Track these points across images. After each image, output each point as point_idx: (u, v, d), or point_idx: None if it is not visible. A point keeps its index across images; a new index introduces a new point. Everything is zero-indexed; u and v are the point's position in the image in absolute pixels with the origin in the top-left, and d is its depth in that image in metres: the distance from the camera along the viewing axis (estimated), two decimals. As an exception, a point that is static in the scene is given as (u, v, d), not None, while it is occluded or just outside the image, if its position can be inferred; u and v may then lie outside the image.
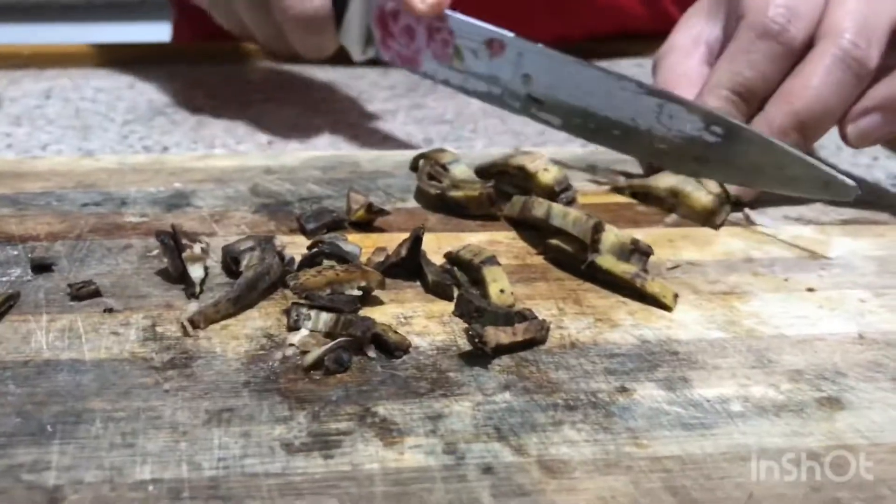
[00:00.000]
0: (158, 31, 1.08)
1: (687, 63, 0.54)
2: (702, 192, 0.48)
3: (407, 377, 0.34)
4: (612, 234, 0.41)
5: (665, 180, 0.50)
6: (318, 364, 0.34)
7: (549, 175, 0.47)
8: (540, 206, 0.44)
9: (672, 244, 0.46)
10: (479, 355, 0.35)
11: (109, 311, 0.37)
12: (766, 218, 0.49)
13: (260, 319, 0.37)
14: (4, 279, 0.39)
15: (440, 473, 0.29)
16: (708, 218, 0.48)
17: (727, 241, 0.46)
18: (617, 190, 0.52)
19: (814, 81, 0.48)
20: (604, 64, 0.82)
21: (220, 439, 0.30)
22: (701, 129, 0.49)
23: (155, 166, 0.52)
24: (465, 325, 0.36)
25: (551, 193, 0.47)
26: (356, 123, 0.68)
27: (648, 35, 0.82)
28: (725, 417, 0.32)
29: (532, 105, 0.55)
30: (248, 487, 0.28)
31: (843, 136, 0.51)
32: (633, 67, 0.81)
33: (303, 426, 0.31)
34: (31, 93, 0.73)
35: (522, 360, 0.35)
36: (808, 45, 0.50)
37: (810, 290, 0.42)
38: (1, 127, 0.65)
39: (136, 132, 0.65)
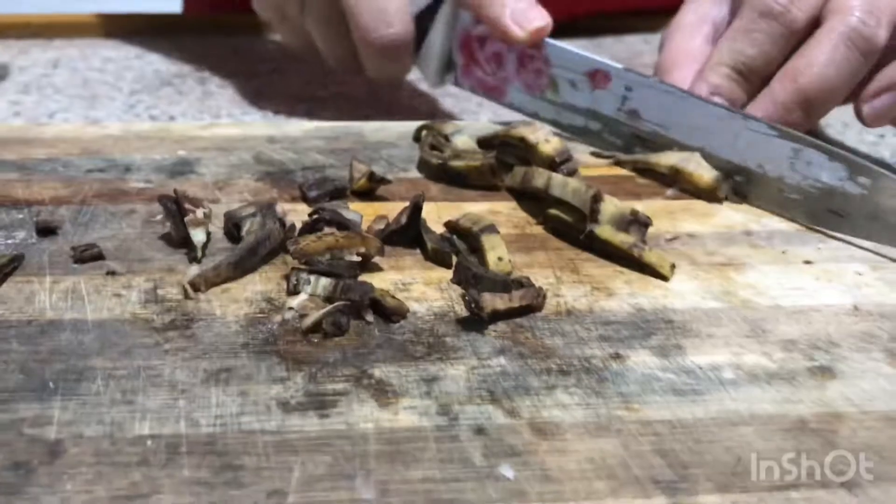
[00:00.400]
0: (168, 3, 1.08)
1: (692, 42, 0.54)
2: (703, 170, 0.48)
3: (404, 341, 0.34)
4: (612, 205, 0.41)
5: (667, 158, 0.50)
6: (316, 327, 0.34)
7: (549, 146, 0.48)
8: (540, 177, 0.44)
9: (672, 216, 0.46)
10: (475, 321, 0.35)
11: (112, 273, 0.38)
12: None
13: (260, 284, 0.38)
14: (9, 241, 0.40)
15: (433, 433, 0.29)
16: (710, 195, 0.48)
17: (727, 214, 0.47)
18: (619, 164, 0.52)
19: (820, 59, 0.48)
20: (610, 40, 0.82)
21: (217, 398, 0.30)
22: (844, 179, 0.44)
23: (160, 134, 0.53)
24: (463, 292, 0.37)
25: (552, 164, 0.47)
26: (362, 96, 0.68)
27: (657, 11, 0.82)
28: (717, 384, 0.33)
29: (637, 144, 0.51)
30: (244, 444, 0.28)
31: (859, 116, 0.50)
32: (640, 43, 0.81)
33: (299, 386, 0.31)
34: (39, 62, 0.73)
35: (518, 327, 0.36)
36: (814, 24, 0.49)
37: (808, 262, 0.42)
38: (9, 95, 0.65)
39: (143, 101, 0.65)
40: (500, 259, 0.39)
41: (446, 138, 0.50)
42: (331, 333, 0.34)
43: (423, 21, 0.57)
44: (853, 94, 0.51)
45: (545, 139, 0.48)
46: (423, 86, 0.70)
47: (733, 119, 0.47)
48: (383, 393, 0.31)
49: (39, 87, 0.67)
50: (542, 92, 0.54)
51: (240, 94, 0.67)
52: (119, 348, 0.33)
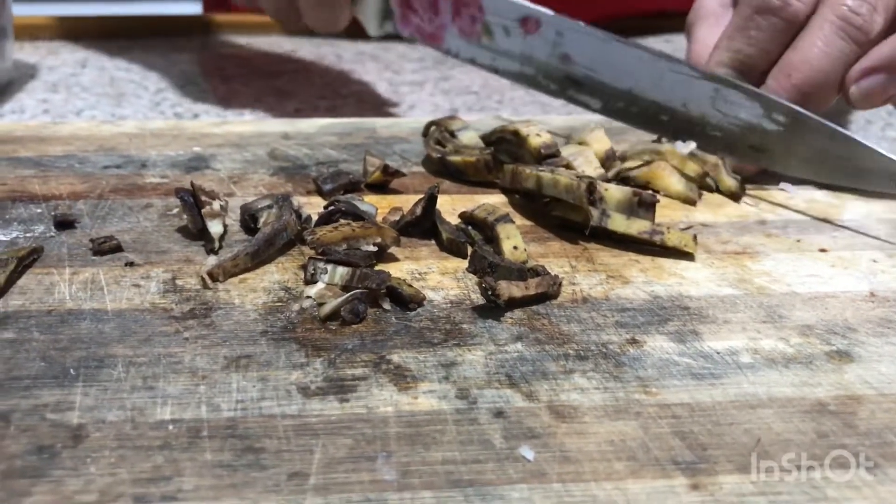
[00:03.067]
0: (191, 6, 1.10)
1: (718, 32, 0.53)
2: (727, 177, 0.47)
3: (421, 328, 0.34)
4: (613, 191, 0.41)
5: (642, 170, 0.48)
6: (334, 315, 0.34)
7: (538, 139, 0.47)
8: (529, 178, 0.43)
9: (686, 206, 0.46)
10: (491, 308, 0.35)
11: (130, 264, 0.38)
12: (781, 180, 0.49)
13: (277, 274, 0.38)
14: (28, 235, 0.40)
15: (453, 416, 0.29)
16: (732, 197, 0.48)
17: (741, 205, 0.47)
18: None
19: (812, 52, 0.47)
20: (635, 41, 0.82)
21: (238, 383, 0.31)
22: (761, 116, 0.46)
23: (174, 131, 0.53)
24: (479, 280, 0.37)
25: (539, 157, 0.46)
26: (383, 94, 0.68)
27: (680, 13, 0.81)
28: (735, 368, 0.33)
29: (570, 87, 0.52)
30: (265, 427, 0.28)
31: (845, 96, 0.49)
32: (662, 44, 0.81)
33: (319, 372, 0.31)
34: (67, 62, 0.74)
35: (534, 314, 0.36)
36: (812, 13, 0.48)
37: (823, 250, 0.42)
38: (39, 93, 0.66)
39: (168, 100, 0.65)
40: (515, 248, 0.39)
41: (452, 134, 0.50)
42: (349, 320, 0.34)
43: None
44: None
45: (536, 133, 0.47)
46: (444, 84, 0.70)
47: (657, 62, 0.49)
48: (402, 378, 0.31)
49: (67, 85, 0.68)
50: (477, 38, 0.55)
51: (263, 93, 0.67)
52: (139, 336, 0.33)
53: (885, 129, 0.63)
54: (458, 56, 0.56)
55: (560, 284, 0.37)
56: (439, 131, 0.51)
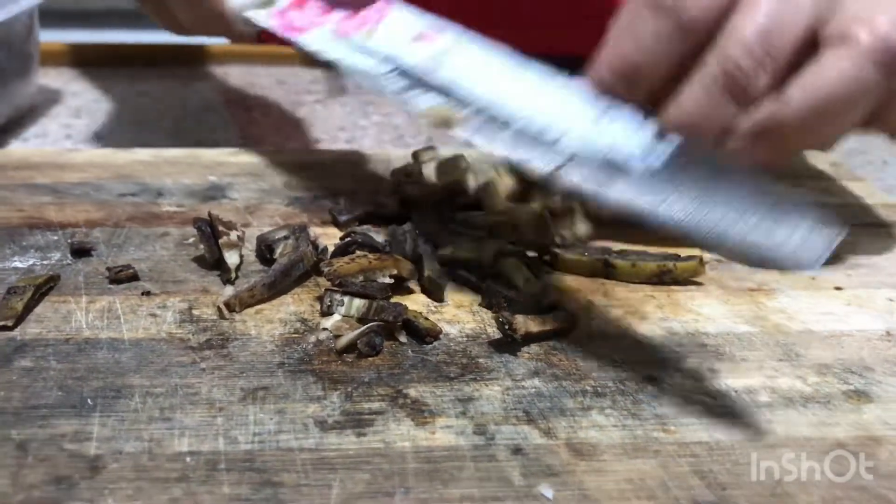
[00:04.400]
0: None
1: None
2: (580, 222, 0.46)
3: (438, 362, 0.34)
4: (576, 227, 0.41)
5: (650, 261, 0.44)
6: (350, 347, 0.34)
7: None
8: (487, 249, 0.41)
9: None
10: (508, 342, 0.35)
11: (147, 294, 0.38)
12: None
13: (293, 305, 0.38)
14: (45, 262, 0.40)
15: (470, 453, 0.29)
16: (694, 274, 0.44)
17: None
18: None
19: (688, 103, 0.38)
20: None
21: (255, 415, 0.30)
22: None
23: (189, 159, 0.53)
24: (495, 314, 0.37)
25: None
26: (402, 125, 0.69)
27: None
28: (753, 407, 0.33)
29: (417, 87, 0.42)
30: (282, 461, 0.28)
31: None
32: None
33: (336, 405, 0.31)
34: (90, 88, 0.75)
35: (551, 349, 0.36)
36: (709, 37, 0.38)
37: (838, 288, 0.42)
38: (62, 119, 0.67)
39: (188, 127, 0.66)
40: (527, 280, 0.39)
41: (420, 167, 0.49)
42: (365, 353, 0.34)
43: None
44: (874, 119, 0.39)
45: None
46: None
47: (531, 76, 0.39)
48: (419, 412, 0.31)
49: (90, 111, 0.69)
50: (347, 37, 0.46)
51: (283, 122, 0.68)
52: (156, 366, 0.33)
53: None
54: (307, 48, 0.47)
55: (577, 320, 0.37)
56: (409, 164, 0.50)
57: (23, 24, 0.64)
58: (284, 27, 0.50)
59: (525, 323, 0.35)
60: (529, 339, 0.36)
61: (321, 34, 0.47)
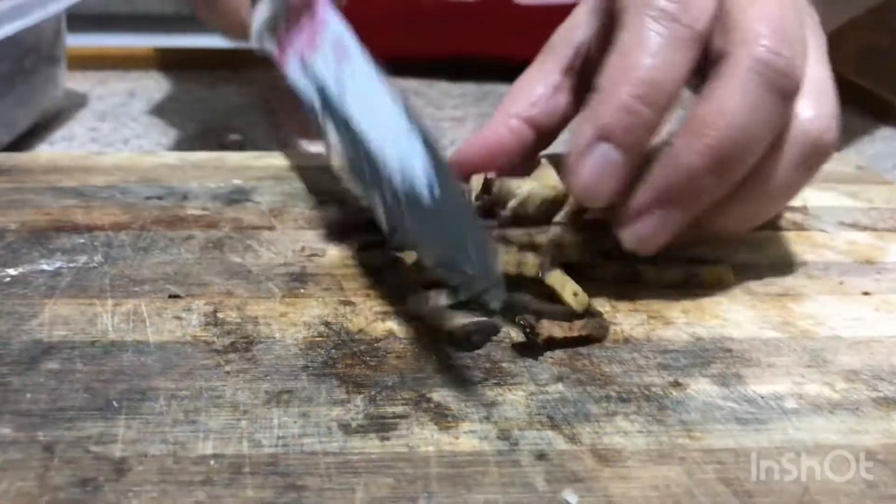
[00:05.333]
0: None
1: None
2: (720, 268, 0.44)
3: (460, 366, 0.34)
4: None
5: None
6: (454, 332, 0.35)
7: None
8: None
9: (725, 245, 0.45)
10: (531, 347, 0.35)
11: (173, 297, 0.38)
12: (821, 223, 0.49)
13: (318, 308, 0.38)
14: (71, 265, 0.40)
15: (494, 458, 0.29)
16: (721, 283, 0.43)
17: (781, 245, 0.46)
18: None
19: (729, 103, 0.35)
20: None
21: (279, 419, 0.31)
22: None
23: (215, 163, 0.54)
24: (517, 317, 0.36)
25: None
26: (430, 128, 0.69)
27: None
28: (780, 413, 0.32)
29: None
30: (306, 465, 0.28)
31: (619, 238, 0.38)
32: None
33: (359, 409, 0.31)
34: (116, 91, 0.76)
35: (575, 354, 0.35)
36: (712, 54, 0.37)
37: (866, 293, 0.41)
38: (88, 122, 0.68)
39: (214, 130, 0.66)
40: (576, 294, 0.37)
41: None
42: (474, 343, 0.35)
43: None
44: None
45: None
46: (485, 120, 0.70)
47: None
48: (443, 417, 0.31)
49: (116, 115, 0.70)
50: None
51: (307, 126, 0.68)
52: (181, 369, 0.33)
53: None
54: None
55: (607, 328, 0.37)
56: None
57: (50, 29, 0.65)
58: (280, 54, 0.52)
59: (549, 328, 0.35)
60: (553, 344, 0.35)
61: (294, 61, 0.49)
